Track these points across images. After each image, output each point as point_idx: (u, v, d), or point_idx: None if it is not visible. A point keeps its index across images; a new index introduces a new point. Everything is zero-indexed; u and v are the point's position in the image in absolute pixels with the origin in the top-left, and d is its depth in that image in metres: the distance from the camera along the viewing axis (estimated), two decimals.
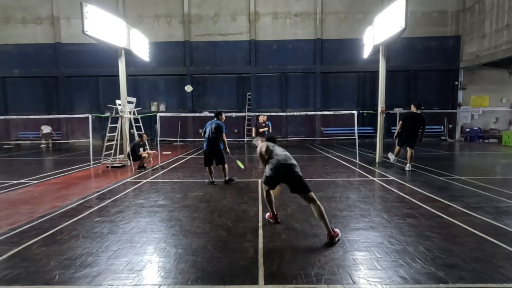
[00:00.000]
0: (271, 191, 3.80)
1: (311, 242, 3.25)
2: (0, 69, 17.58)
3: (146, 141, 8.83)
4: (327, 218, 3.29)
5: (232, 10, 17.28)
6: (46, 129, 16.49)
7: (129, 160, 8.58)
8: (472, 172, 7.81)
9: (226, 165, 6.28)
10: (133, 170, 8.11)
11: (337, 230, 3.36)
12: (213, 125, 6.15)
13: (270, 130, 13.04)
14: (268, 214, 4.03)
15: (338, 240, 3.27)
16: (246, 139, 16.14)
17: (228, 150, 6.30)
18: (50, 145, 16.69)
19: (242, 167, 6.23)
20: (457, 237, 3.34)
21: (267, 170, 3.60)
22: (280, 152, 3.72)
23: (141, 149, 8.47)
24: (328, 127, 17.84)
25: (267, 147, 3.81)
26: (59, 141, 17.35)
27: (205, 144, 6.24)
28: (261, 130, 11.78)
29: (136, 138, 8.86)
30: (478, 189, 5.54)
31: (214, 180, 6.34)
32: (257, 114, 14.24)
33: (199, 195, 5.47)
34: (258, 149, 3.90)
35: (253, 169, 8.10)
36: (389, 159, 8.41)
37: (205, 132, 6.25)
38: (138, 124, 9.57)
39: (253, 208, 4.51)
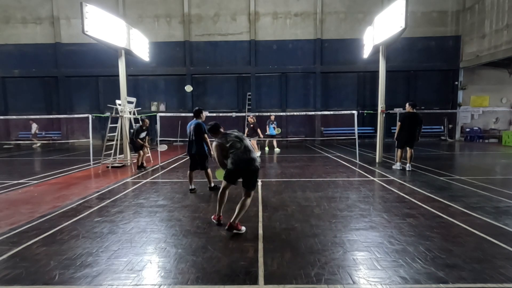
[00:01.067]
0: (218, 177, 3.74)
1: (311, 242, 3.25)
2: (0, 69, 17.58)
3: (148, 126, 8.41)
4: (243, 214, 3.58)
5: (232, 10, 17.27)
6: (34, 127, 16.24)
7: (131, 145, 8.16)
8: (472, 172, 7.81)
9: (209, 170, 5.69)
10: (133, 170, 8.12)
11: (242, 227, 3.58)
12: (192, 126, 5.55)
13: (277, 131, 13.05)
14: (214, 215, 3.95)
15: (236, 232, 3.48)
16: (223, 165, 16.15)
17: (212, 152, 5.75)
18: (39, 144, 16.46)
19: (221, 178, 5.88)
20: (457, 237, 3.34)
21: (229, 164, 3.67)
22: (237, 144, 3.63)
23: (143, 134, 8.15)
24: (328, 127, 17.83)
25: (220, 147, 3.67)
26: (59, 141, 17.35)
27: (187, 147, 5.67)
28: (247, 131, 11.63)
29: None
30: (478, 189, 5.54)
31: (194, 187, 5.75)
32: (257, 114, 14.20)
33: (199, 195, 5.47)
34: (214, 155, 3.80)
35: None
36: (397, 169, 7.72)
37: (187, 133, 5.69)
38: (138, 124, 9.56)
39: (253, 208, 4.50)
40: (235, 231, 3.48)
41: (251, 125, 11.49)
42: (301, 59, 17.45)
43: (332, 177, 6.91)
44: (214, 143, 3.78)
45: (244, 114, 16.04)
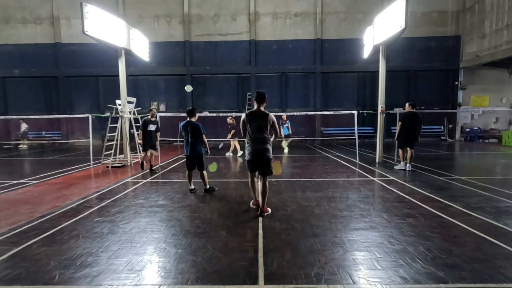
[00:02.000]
0: (275, 173, 4.40)
1: (311, 242, 3.25)
2: (0, 69, 17.58)
3: (157, 117, 7.86)
4: (267, 198, 4.26)
5: (232, 10, 17.28)
6: (23, 126, 16.03)
7: (141, 143, 7.64)
8: (472, 172, 7.81)
9: (205, 172, 5.62)
10: (133, 170, 8.11)
11: (268, 209, 4.29)
12: (189, 127, 5.41)
13: (290, 131, 12.84)
14: (252, 201, 4.53)
15: (266, 214, 4.17)
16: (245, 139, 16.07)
17: (208, 151, 5.63)
18: (25, 147, 16.23)
19: (213, 170, 5.81)
20: (457, 237, 3.34)
21: (246, 154, 4.28)
22: (255, 134, 4.13)
23: (152, 127, 7.65)
24: (328, 127, 17.84)
25: (243, 122, 4.23)
26: (59, 141, 17.34)
27: (185, 148, 5.52)
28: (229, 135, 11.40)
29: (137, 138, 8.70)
30: (478, 189, 5.54)
31: (195, 187, 5.71)
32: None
33: (199, 195, 5.47)
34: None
35: None
36: (401, 169, 7.62)
37: (184, 135, 5.52)
38: (138, 124, 9.56)
39: (253, 208, 4.51)
40: (265, 214, 4.16)
41: (229, 126, 11.29)
42: (301, 59, 17.45)
43: (332, 177, 6.91)
44: (242, 116, 4.27)
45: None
